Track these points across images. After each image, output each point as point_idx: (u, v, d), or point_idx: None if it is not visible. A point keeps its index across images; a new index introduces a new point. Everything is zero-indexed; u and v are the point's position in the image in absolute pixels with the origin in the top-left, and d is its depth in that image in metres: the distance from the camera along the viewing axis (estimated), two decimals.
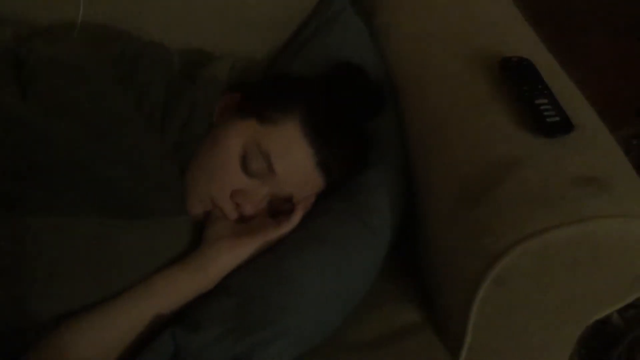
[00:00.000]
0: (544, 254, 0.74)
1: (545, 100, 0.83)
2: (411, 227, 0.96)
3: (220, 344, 0.79)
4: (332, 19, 1.15)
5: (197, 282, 0.84)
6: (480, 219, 0.80)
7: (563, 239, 0.73)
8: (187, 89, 0.97)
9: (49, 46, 0.96)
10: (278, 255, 0.86)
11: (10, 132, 0.83)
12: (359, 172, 0.96)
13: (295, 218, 0.89)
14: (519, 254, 0.74)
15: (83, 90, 0.90)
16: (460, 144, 0.88)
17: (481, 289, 0.78)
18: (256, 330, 0.80)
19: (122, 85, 0.93)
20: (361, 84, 0.99)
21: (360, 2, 1.21)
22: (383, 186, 0.95)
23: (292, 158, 0.90)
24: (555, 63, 0.94)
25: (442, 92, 0.95)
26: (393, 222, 0.93)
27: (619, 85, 1.87)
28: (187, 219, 0.90)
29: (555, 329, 0.86)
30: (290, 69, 1.11)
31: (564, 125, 0.81)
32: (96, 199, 0.84)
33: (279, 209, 0.93)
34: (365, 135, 0.98)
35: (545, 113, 0.82)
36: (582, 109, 0.87)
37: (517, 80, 0.87)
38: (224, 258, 0.85)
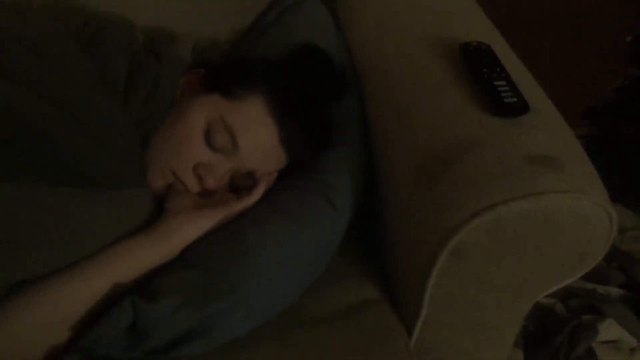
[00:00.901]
0: (497, 227, 0.77)
1: (503, 82, 0.86)
2: (371, 207, 0.97)
3: (179, 313, 0.79)
4: (296, 3, 1.17)
5: (157, 253, 0.84)
6: (438, 195, 0.82)
7: (516, 213, 0.76)
8: (151, 64, 0.97)
9: (14, 20, 0.94)
10: (239, 227, 0.87)
11: None
12: (322, 150, 0.97)
13: (258, 192, 0.90)
14: (474, 226, 0.77)
15: (44, 60, 0.88)
16: (420, 125, 0.90)
17: (438, 262, 0.80)
18: (215, 301, 0.80)
19: (84, 56, 0.93)
20: (325, 65, 1.01)
21: None
22: (345, 165, 0.96)
23: (255, 133, 0.91)
24: (510, 49, 0.98)
25: (403, 76, 0.98)
26: (354, 199, 0.95)
27: (565, 89, 1.93)
28: (147, 192, 0.89)
29: (507, 304, 0.89)
30: (253, 51, 1.12)
31: (521, 106, 0.84)
32: (56, 168, 0.83)
33: (241, 184, 0.93)
34: (327, 115, 0.99)
35: (503, 94, 0.85)
36: (536, 92, 0.91)
37: (476, 63, 0.90)
38: (186, 229, 0.85)
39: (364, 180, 0.97)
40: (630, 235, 1.55)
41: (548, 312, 1.42)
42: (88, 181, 0.84)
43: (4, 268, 0.77)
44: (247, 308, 0.82)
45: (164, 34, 1.11)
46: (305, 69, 0.98)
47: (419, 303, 0.85)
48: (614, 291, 1.44)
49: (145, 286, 0.82)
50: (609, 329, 1.36)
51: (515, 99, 0.85)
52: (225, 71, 0.97)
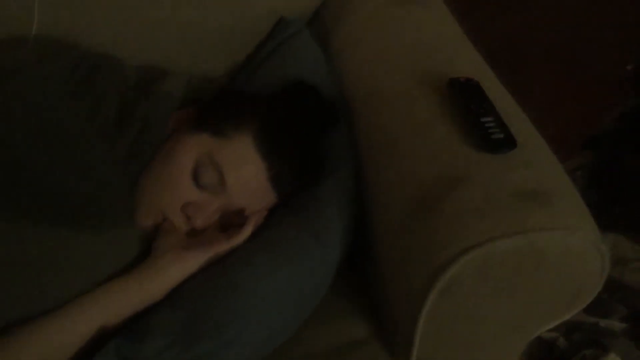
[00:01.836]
0: (487, 264, 0.76)
1: (491, 118, 0.86)
2: (361, 244, 0.97)
3: (165, 355, 0.78)
4: (288, 40, 1.17)
5: (145, 293, 0.83)
6: (426, 231, 0.81)
7: (505, 250, 0.75)
8: (141, 104, 0.97)
9: (2, 57, 0.95)
10: (227, 266, 0.86)
11: None
12: (311, 186, 0.97)
13: (246, 231, 0.90)
14: (463, 264, 0.76)
15: (34, 100, 0.89)
16: (408, 160, 0.90)
17: (428, 299, 0.79)
18: (201, 342, 0.79)
19: (75, 97, 0.93)
20: (314, 101, 1.01)
21: (316, 26, 1.24)
22: (334, 200, 0.96)
23: (244, 171, 0.91)
24: (500, 85, 0.98)
25: (393, 111, 0.97)
26: (344, 236, 0.94)
27: (566, 118, 1.93)
28: (135, 231, 0.89)
29: (502, 342, 0.88)
30: (246, 88, 1.13)
31: (508, 142, 0.84)
32: (44, 208, 0.83)
33: (230, 222, 0.93)
34: (317, 151, 0.99)
35: (490, 130, 0.85)
36: (524, 127, 0.90)
37: (464, 99, 0.90)
38: (173, 269, 0.85)
39: (354, 215, 0.96)
40: (632, 267, 1.53)
41: (550, 347, 1.40)
42: (78, 222, 0.84)
43: None
44: (234, 349, 0.81)
45: (157, 72, 1.12)
46: (294, 105, 0.98)
47: (410, 342, 0.83)
48: (617, 325, 1.41)
49: (131, 326, 0.81)
50: None
51: (502, 135, 0.84)
52: (214, 109, 0.97)
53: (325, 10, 1.26)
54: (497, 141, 0.84)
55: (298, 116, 0.96)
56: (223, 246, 0.88)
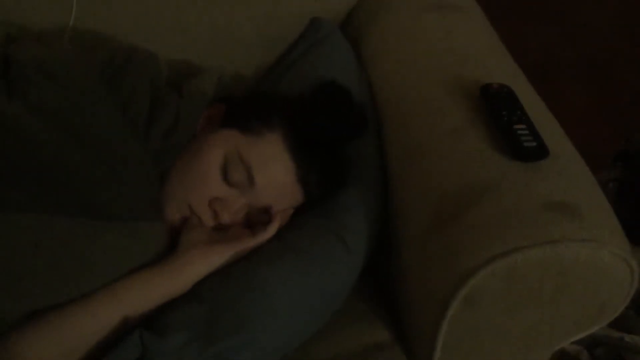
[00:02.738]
0: (512, 274, 0.75)
1: (523, 126, 0.85)
2: (386, 248, 0.96)
3: (186, 350, 0.78)
4: (320, 41, 1.17)
5: (168, 287, 0.84)
6: (452, 239, 0.81)
7: (531, 260, 0.75)
8: (173, 99, 0.98)
9: (38, 48, 0.97)
10: (251, 265, 0.86)
11: None
12: (338, 190, 0.97)
13: (272, 228, 0.90)
14: (488, 273, 0.76)
15: (69, 95, 0.90)
16: (437, 167, 0.89)
17: (451, 308, 0.78)
18: (223, 338, 0.79)
19: (108, 91, 0.94)
20: (345, 104, 1.00)
21: (349, 28, 1.24)
22: (361, 205, 0.96)
23: (272, 171, 0.91)
24: (534, 92, 0.97)
25: (423, 117, 0.97)
26: (368, 241, 0.94)
27: (597, 131, 1.91)
28: (162, 225, 0.90)
29: (523, 354, 0.86)
30: (276, 87, 1.13)
31: (540, 151, 0.83)
32: (74, 200, 0.84)
33: (256, 219, 0.93)
34: (345, 154, 0.99)
35: (523, 138, 0.84)
36: (558, 136, 0.89)
37: (496, 106, 0.89)
38: (198, 264, 0.85)
39: (379, 220, 0.96)
40: None
41: None
42: (102, 212, 0.84)
43: (16, 298, 0.77)
44: (255, 347, 0.81)
45: (189, 67, 1.12)
46: (325, 106, 0.98)
47: (431, 350, 0.83)
48: None
49: (154, 319, 0.82)
50: None
51: (535, 143, 0.83)
52: (245, 107, 0.98)
53: (359, 12, 1.26)
54: (529, 150, 0.83)
55: (328, 118, 0.96)
56: (248, 243, 0.88)
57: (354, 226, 0.93)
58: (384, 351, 0.89)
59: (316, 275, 0.87)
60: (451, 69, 1.01)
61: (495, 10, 1.24)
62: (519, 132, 0.84)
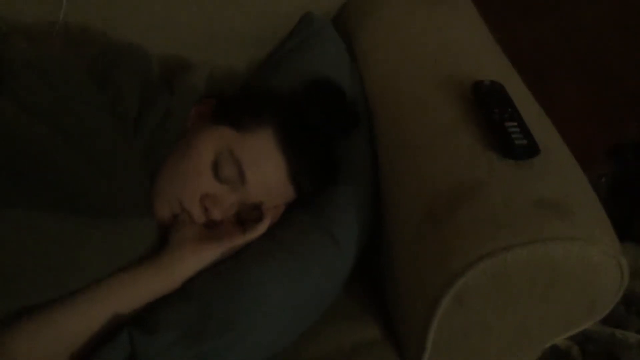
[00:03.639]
0: (503, 272, 0.75)
1: (515, 124, 0.85)
2: (377, 246, 0.96)
3: (176, 348, 0.78)
4: (312, 36, 1.17)
5: (159, 284, 0.83)
6: (443, 238, 0.80)
7: (522, 259, 0.74)
8: (163, 94, 0.98)
9: (28, 45, 0.96)
10: (241, 262, 0.86)
11: None
12: (330, 186, 0.96)
13: (263, 226, 0.90)
14: (479, 272, 0.75)
15: (57, 92, 0.89)
16: (429, 165, 0.89)
17: (441, 306, 0.78)
18: (213, 337, 0.79)
19: (97, 87, 0.93)
20: (336, 100, 1.00)
21: (341, 23, 1.24)
22: (352, 202, 0.95)
23: (263, 167, 0.91)
24: (526, 89, 0.97)
25: (414, 114, 0.96)
26: (359, 238, 0.93)
27: (591, 126, 1.92)
28: (153, 222, 0.89)
29: (513, 352, 0.86)
30: (268, 83, 1.12)
31: (531, 149, 0.82)
32: (63, 197, 0.83)
33: (247, 216, 0.93)
34: (336, 151, 0.99)
35: (514, 136, 0.83)
36: (549, 134, 0.89)
37: (488, 103, 0.89)
38: (188, 261, 0.85)
39: (370, 218, 0.96)
40: None
41: (564, 356, 1.39)
42: (91, 209, 0.84)
43: (3, 296, 0.77)
44: (245, 345, 0.81)
45: (180, 63, 1.12)
46: (316, 103, 0.98)
47: (421, 348, 0.82)
48: (633, 336, 1.40)
49: (143, 318, 0.81)
50: None
51: (525, 141, 0.83)
52: (236, 103, 0.97)
53: (351, 7, 1.25)
54: (520, 147, 0.82)
55: (320, 114, 0.96)
56: (239, 240, 0.88)
57: (344, 223, 0.93)
58: (374, 348, 0.89)
59: (307, 273, 0.87)
60: (443, 65, 1.01)
61: (487, 6, 1.23)
62: (510, 129, 0.84)
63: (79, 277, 0.81)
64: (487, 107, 0.88)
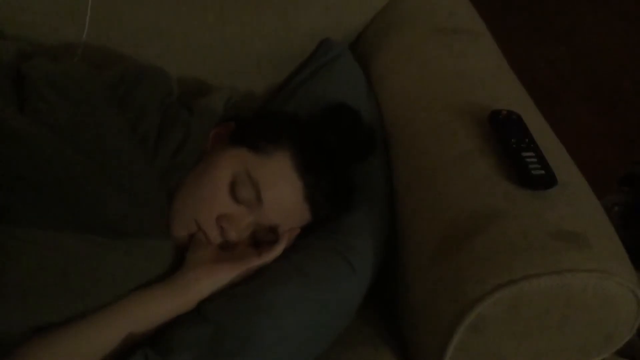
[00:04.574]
0: (519, 302, 0.75)
1: (532, 154, 0.85)
2: (392, 272, 0.96)
3: None
4: (330, 62, 1.18)
5: (173, 305, 0.84)
6: (459, 266, 0.81)
7: (538, 289, 0.75)
8: (183, 116, 0.99)
9: (51, 65, 0.98)
10: (257, 286, 0.86)
11: (3, 143, 0.84)
12: (345, 210, 0.97)
13: (279, 248, 0.90)
14: (494, 301, 0.76)
15: (79, 111, 0.91)
16: (445, 192, 0.89)
17: (456, 334, 0.78)
18: (227, 357, 0.80)
19: (119, 108, 0.95)
20: (353, 125, 1.01)
21: (359, 49, 1.25)
22: (367, 227, 0.96)
23: (280, 189, 0.92)
24: (543, 119, 0.97)
25: (431, 142, 0.97)
26: (374, 263, 0.94)
27: (605, 154, 1.92)
28: (169, 243, 0.90)
29: None
30: (285, 107, 1.14)
31: (548, 179, 0.83)
32: (82, 216, 0.85)
33: (263, 238, 0.94)
34: (353, 176, 0.99)
35: (531, 166, 0.84)
36: (566, 164, 0.89)
37: (505, 132, 0.89)
38: (203, 282, 0.85)
39: (385, 242, 0.96)
40: None
41: None
42: (110, 229, 0.85)
43: (22, 314, 0.78)
44: None
45: (199, 86, 1.13)
46: (334, 128, 0.99)
47: None
48: None
49: (158, 338, 0.82)
50: None
51: (543, 171, 0.83)
52: (254, 125, 0.98)
53: (369, 32, 1.26)
54: (537, 177, 0.83)
55: (337, 139, 0.97)
56: (254, 262, 0.89)
57: (359, 248, 0.93)
58: None
59: (322, 296, 0.87)
60: (460, 93, 1.01)
61: (503, 31, 1.24)
62: (527, 159, 0.84)
63: (96, 297, 0.81)
64: (504, 136, 0.89)
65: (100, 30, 1.11)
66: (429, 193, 0.91)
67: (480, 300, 0.76)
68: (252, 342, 0.81)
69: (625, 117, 2.12)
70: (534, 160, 0.85)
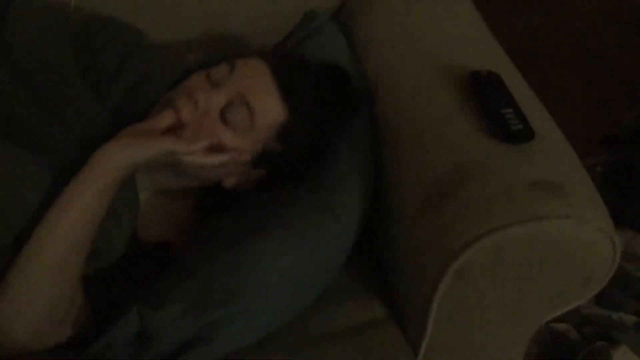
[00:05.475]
0: (499, 250, 0.79)
1: (510, 110, 0.89)
2: (377, 225, 0.99)
3: (184, 320, 0.81)
4: (314, 33, 1.19)
5: (93, 183, 0.84)
6: (443, 218, 0.84)
7: (517, 236, 0.79)
8: (143, 61, 1.03)
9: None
10: (239, 238, 0.87)
11: None
12: (318, 150, 0.99)
13: (202, 141, 0.88)
14: (477, 249, 0.79)
15: (39, 50, 0.98)
16: (429, 150, 0.93)
17: (442, 283, 0.82)
18: (217, 307, 0.82)
19: (77, 50, 1.00)
20: (342, 79, 1.02)
21: (341, 19, 1.27)
22: (353, 180, 0.97)
23: (252, 63, 0.95)
24: (522, 79, 1.00)
25: (415, 102, 1.00)
26: (360, 216, 0.95)
27: (586, 116, 1.94)
28: None
29: (510, 327, 0.90)
30: None
31: (526, 133, 0.86)
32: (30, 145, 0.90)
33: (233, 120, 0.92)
34: (334, 107, 0.99)
35: (510, 122, 0.87)
36: (543, 119, 0.93)
37: (485, 91, 0.92)
38: (115, 153, 0.85)
39: (370, 197, 0.98)
40: None
41: (561, 338, 1.42)
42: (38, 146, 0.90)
43: None
44: (247, 318, 0.84)
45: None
46: (322, 72, 1.00)
47: (423, 324, 0.86)
48: (629, 319, 1.43)
49: (148, 294, 0.85)
50: (623, 357, 1.35)
51: (521, 126, 0.87)
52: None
53: (350, 3, 1.29)
54: (515, 132, 0.86)
55: (323, 77, 0.99)
56: (169, 144, 0.86)
57: (346, 200, 0.94)
58: (379, 327, 0.92)
59: (307, 247, 0.88)
60: (441, 56, 1.04)
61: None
62: (506, 115, 0.88)
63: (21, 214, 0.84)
64: (484, 95, 0.92)
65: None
66: (412, 151, 0.94)
67: (463, 250, 0.80)
68: (238, 294, 0.83)
69: (606, 80, 2.14)
70: (513, 116, 0.88)
